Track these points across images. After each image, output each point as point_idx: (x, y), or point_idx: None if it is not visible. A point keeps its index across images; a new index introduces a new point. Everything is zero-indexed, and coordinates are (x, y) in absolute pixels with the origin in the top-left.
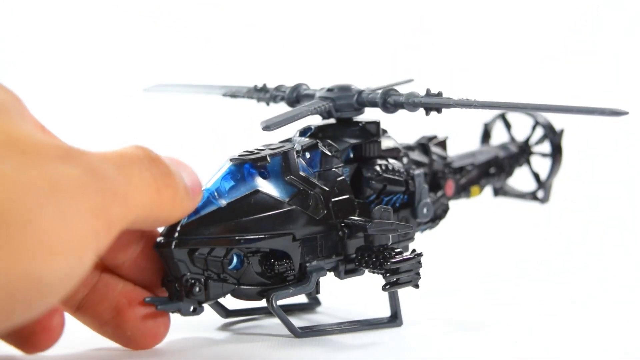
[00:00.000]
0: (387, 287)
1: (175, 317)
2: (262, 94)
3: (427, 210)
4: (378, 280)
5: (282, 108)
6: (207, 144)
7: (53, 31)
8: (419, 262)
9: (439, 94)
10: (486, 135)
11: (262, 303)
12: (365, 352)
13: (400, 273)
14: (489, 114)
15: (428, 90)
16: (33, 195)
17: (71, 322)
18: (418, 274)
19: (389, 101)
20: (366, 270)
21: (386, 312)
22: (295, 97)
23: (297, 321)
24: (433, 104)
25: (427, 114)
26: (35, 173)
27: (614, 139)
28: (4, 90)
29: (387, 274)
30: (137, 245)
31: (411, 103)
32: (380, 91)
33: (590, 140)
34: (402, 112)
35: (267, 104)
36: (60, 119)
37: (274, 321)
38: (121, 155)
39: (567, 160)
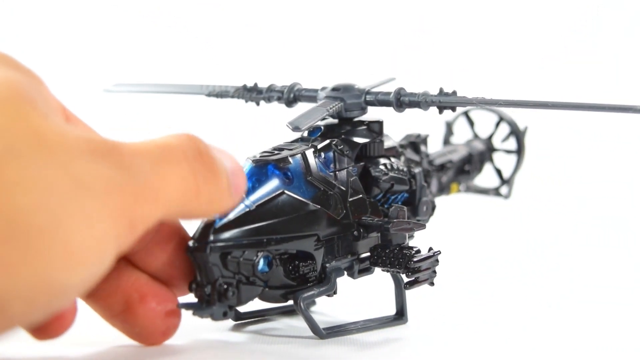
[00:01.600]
0: (407, 286)
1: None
2: (254, 94)
3: (427, 208)
4: (371, 278)
5: (274, 108)
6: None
7: (44, 32)
8: (437, 260)
9: (454, 93)
10: (449, 133)
11: (264, 304)
12: (387, 349)
13: (421, 272)
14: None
15: (441, 89)
16: (58, 198)
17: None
18: (434, 271)
19: (404, 101)
20: (380, 269)
21: (379, 309)
22: (293, 97)
23: (298, 322)
24: (450, 102)
25: (441, 112)
26: (61, 174)
27: (586, 136)
28: (26, 72)
29: (409, 273)
30: (151, 234)
31: (428, 102)
32: (391, 91)
33: (555, 137)
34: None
35: (258, 104)
36: None
37: (286, 322)
38: (161, 147)
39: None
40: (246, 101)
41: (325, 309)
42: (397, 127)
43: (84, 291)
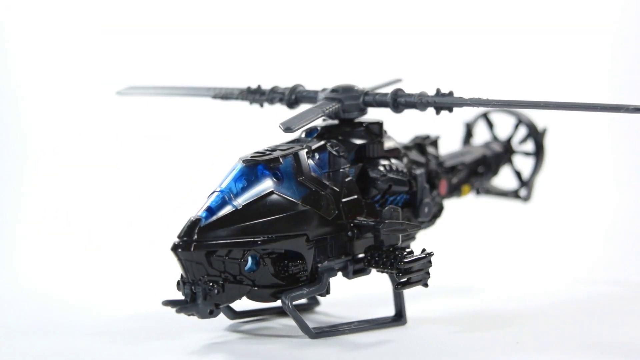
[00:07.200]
0: (398, 287)
1: (180, 318)
2: (257, 95)
3: (428, 209)
4: (371, 278)
5: (277, 110)
6: (197, 146)
7: (57, 37)
8: (429, 262)
9: (450, 94)
10: (468, 135)
11: (263, 304)
12: (379, 350)
13: (412, 273)
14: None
15: (438, 90)
16: None
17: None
18: (428, 273)
19: (400, 101)
20: (374, 270)
21: (384, 311)
22: (295, 98)
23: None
24: (446, 103)
25: (438, 113)
26: None
27: (599, 138)
28: None
29: (399, 274)
30: None
31: (424, 103)
32: (388, 92)
33: (573, 139)
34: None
35: (262, 106)
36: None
37: (282, 322)
38: None
39: (550, 159)
40: (250, 103)
41: (330, 310)
42: (419, 129)
43: None
